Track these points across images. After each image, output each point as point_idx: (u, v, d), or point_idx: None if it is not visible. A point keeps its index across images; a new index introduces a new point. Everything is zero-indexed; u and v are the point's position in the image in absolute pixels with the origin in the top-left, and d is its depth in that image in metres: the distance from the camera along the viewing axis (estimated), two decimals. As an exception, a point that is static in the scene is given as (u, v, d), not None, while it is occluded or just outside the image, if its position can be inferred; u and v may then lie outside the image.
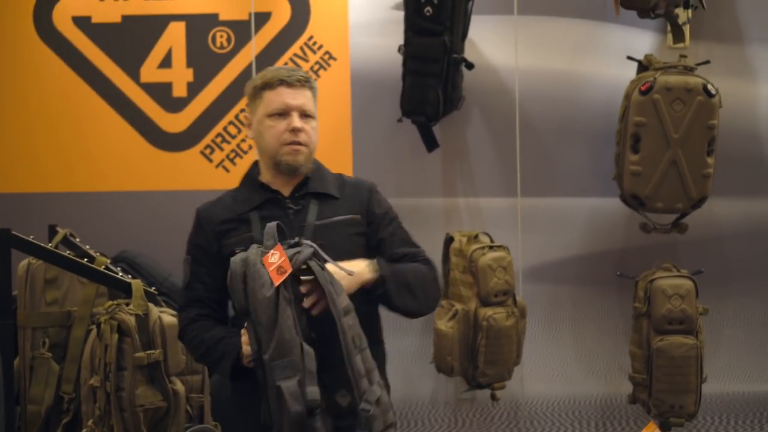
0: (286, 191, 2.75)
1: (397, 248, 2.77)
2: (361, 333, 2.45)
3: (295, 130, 2.69)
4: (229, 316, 2.79)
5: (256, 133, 2.77)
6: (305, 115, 2.72)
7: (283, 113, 2.71)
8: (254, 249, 2.47)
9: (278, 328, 2.36)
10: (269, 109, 2.72)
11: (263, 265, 2.41)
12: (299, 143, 2.70)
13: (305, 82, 2.74)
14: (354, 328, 2.43)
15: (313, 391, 2.35)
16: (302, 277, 2.42)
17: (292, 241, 2.46)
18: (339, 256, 2.62)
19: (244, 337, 2.50)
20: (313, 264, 2.42)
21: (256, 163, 2.84)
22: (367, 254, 2.73)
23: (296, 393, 2.33)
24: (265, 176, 2.78)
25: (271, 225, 2.49)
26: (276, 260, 2.40)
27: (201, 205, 2.85)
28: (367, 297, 2.62)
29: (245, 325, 2.49)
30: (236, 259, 2.48)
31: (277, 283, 2.37)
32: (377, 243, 2.77)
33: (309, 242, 2.46)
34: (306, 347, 2.37)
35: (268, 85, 2.73)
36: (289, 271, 2.38)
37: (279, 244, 2.44)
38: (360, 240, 2.74)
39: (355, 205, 2.78)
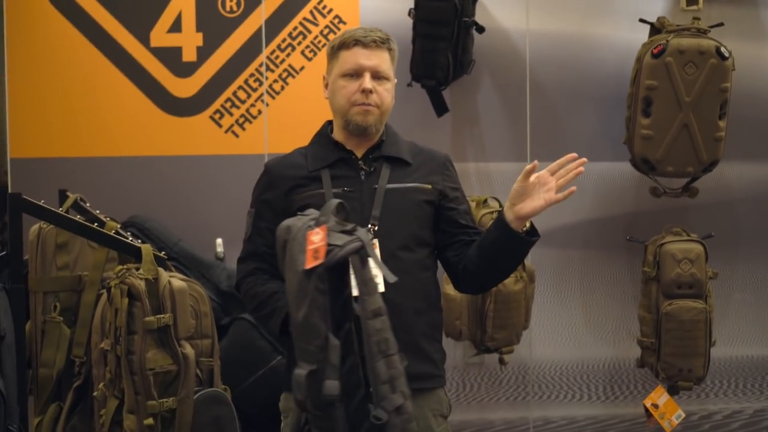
0: (359, 152, 2.76)
1: (470, 225, 2.82)
2: (390, 338, 2.34)
3: (365, 91, 2.69)
4: None
5: (330, 92, 2.78)
6: (379, 76, 2.72)
7: (356, 74, 2.71)
8: (304, 220, 2.43)
9: (303, 313, 2.32)
10: (343, 69, 2.73)
11: (304, 241, 2.37)
12: (369, 104, 2.70)
13: (381, 44, 2.74)
14: (381, 332, 2.33)
15: (332, 386, 2.28)
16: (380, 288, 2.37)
17: (348, 227, 2.38)
18: (406, 222, 2.68)
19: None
20: (354, 261, 2.33)
21: (329, 123, 2.84)
22: (433, 224, 2.76)
23: (302, 383, 2.29)
24: (339, 136, 2.78)
25: (332, 202, 2.44)
26: (317, 241, 2.34)
27: (270, 159, 2.86)
28: (509, 238, 2.62)
29: None
30: (282, 225, 2.47)
31: (307, 266, 2.31)
32: (449, 216, 2.78)
33: (362, 234, 2.36)
34: (332, 339, 2.30)
35: (344, 45, 2.74)
36: (321, 261, 2.31)
37: (326, 225, 2.37)
38: (428, 208, 2.74)
39: (428, 174, 2.79)
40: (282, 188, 2.75)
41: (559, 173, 2.63)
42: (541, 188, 2.61)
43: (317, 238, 2.34)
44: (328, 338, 2.32)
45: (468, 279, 2.79)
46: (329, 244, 2.32)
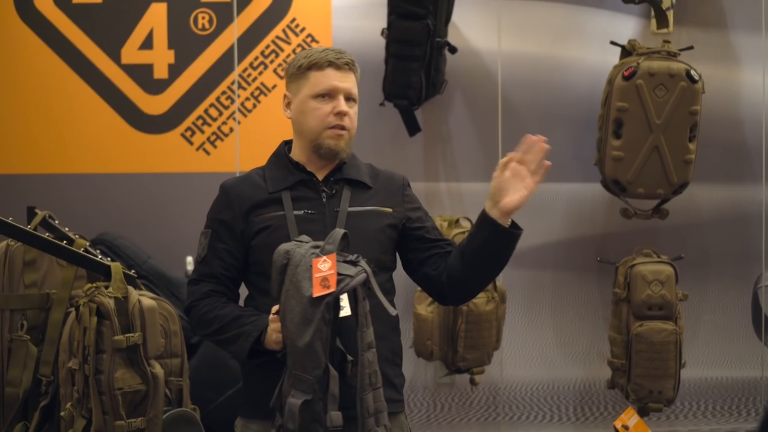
0: (320, 174, 2.72)
1: (440, 238, 2.80)
2: (378, 371, 2.40)
3: (340, 114, 2.66)
4: (239, 296, 2.78)
5: (296, 113, 2.73)
6: (350, 98, 2.70)
7: (329, 95, 2.68)
8: (306, 247, 2.42)
9: (306, 343, 2.31)
10: (315, 89, 2.69)
11: (310, 268, 2.36)
12: (342, 127, 2.68)
13: (352, 66, 2.72)
14: (373, 365, 2.39)
15: (336, 416, 2.33)
16: (340, 314, 2.37)
17: (351, 257, 2.39)
18: (369, 246, 2.63)
19: (276, 324, 2.47)
20: (358, 291, 2.35)
21: (285, 143, 2.81)
22: (394, 248, 2.74)
23: (295, 413, 2.30)
24: (300, 157, 2.74)
25: (339, 231, 2.43)
26: (325, 270, 2.33)
27: (227, 180, 2.80)
28: (499, 235, 2.61)
29: (277, 312, 2.47)
30: (280, 249, 2.45)
31: (316, 295, 2.31)
32: (418, 235, 2.76)
33: (366, 265, 2.38)
34: (332, 371, 2.33)
35: (316, 65, 2.69)
36: (333, 290, 2.30)
37: (335, 253, 2.37)
38: (390, 232, 2.72)
39: (387, 197, 2.76)
40: (241, 209, 2.71)
41: (526, 159, 2.64)
42: (516, 180, 2.62)
43: (325, 266, 2.34)
44: (328, 369, 2.32)
45: (456, 288, 2.75)
46: (339, 274, 2.32)
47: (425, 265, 2.76)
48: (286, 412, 2.33)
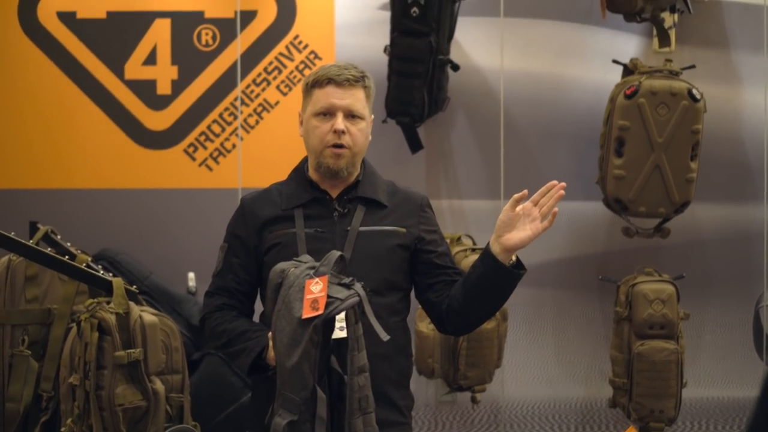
0: (334, 192, 2.70)
1: (449, 266, 2.76)
2: (370, 396, 2.37)
3: (337, 132, 2.64)
4: (254, 311, 2.78)
5: (304, 131, 2.72)
6: (352, 115, 2.67)
7: (329, 113, 2.66)
8: (302, 267, 2.41)
9: (293, 364, 2.30)
10: (315, 108, 2.67)
11: (302, 289, 2.35)
12: (341, 146, 2.65)
13: (356, 81, 2.67)
14: (364, 389, 2.36)
15: None
16: (335, 336, 2.35)
17: (346, 280, 2.37)
18: (378, 266, 2.62)
19: (272, 341, 2.47)
20: (350, 315, 2.34)
21: (306, 159, 2.79)
22: (407, 267, 2.70)
23: None
24: (313, 175, 2.73)
25: (334, 253, 2.41)
26: (316, 292, 2.32)
27: (246, 194, 2.80)
28: (497, 271, 2.58)
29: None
30: (276, 268, 2.45)
31: (304, 316, 2.30)
32: (427, 259, 2.72)
33: (359, 289, 2.35)
34: (320, 393, 2.31)
35: (318, 83, 2.68)
36: (321, 312, 2.29)
37: (327, 276, 2.35)
38: (401, 252, 2.68)
39: (403, 217, 2.72)
40: (254, 225, 2.72)
41: (541, 201, 2.63)
42: (525, 219, 2.60)
43: (317, 288, 2.33)
44: (316, 390, 2.31)
45: (453, 318, 2.73)
46: (329, 296, 2.31)
47: (430, 290, 2.74)
48: (272, 431, 2.32)
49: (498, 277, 2.60)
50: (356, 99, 2.68)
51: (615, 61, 4.29)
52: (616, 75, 4.30)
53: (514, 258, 2.60)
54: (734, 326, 4.57)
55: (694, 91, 4.12)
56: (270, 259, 2.66)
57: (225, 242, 2.78)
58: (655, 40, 4.48)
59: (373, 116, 2.78)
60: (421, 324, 4.10)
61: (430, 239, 2.74)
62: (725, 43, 4.61)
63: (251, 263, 2.71)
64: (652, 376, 4.04)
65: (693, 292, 4.33)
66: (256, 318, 2.79)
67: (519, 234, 2.57)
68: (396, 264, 2.67)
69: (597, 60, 4.52)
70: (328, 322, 2.33)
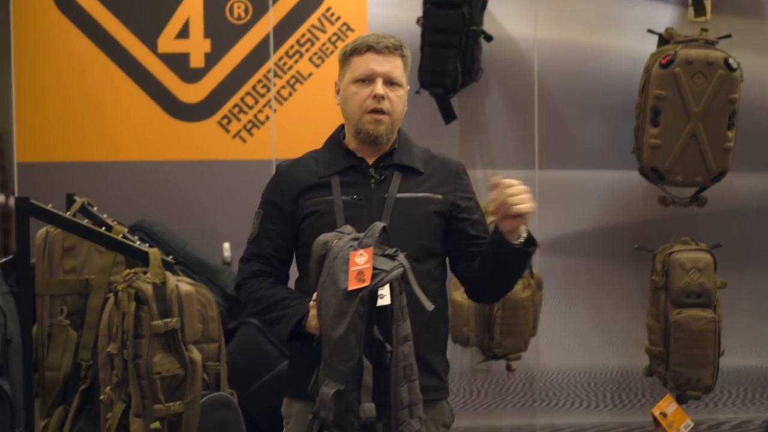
0: (370, 160, 2.71)
1: (481, 235, 2.73)
2: (414, 364, 2.40)
3: (377, 97, 2.64)
4: (288, 277, 2.79)
5: (342, 99, 2.73)
6: (391, 82, 2.67)
7: (368, 79, 2.67)
8: (345, 239, 2.42)
9: (340, 335, 2.32)
10: (355, 74, 2.68)
11: (347, 261, 2.36)
12: (382, 111, 2.65)
13: (394, 50, 2.69)
14: (408, 358, 2.38)
15: (370, 408, 2.33)
16: (378, 304, 2.35)
17: (390, 251, 2.38)
18: (415, 233, 2.63)
19: (314, 311, 2.49)
20: (394, 285, 2.34)
21: (341, 127, 2.80)
22: (443, 234, 2.70)
23: (328, 402, 2.31)
24: (350, 143, 2.74)
25: (377, 224, 2.43)
26: (361, 263, 2.33)
27: (282, 162, 2.81)
28: (504, 249, 2.56)
29: (315, 299, 2.48)
30: (320, 240, 2.46)
31: (350, 288, 2.31)
32: (460, 227, 2.71)
33: (403, 259, 2.36)
34: (366, 363, 2.33)
35: (356, 51, 2.69)
36: (368, 284, 2.30)
37: (372, 247, 2.36)
38: (438, 219, 2.68)
39: (439, 183, 2.72)
40: (291, 192, 2.72)
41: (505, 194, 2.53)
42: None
43: (362, 260, 2.33)
44: (362, 360, 2.33)
45: (476, 291, 2.79)
46: (375, 268, 2.32)
47: (461, 260, 2.74)
48: (319, 401, 2.35)
49: (505, 254, 2.58)
50: (395, 66, 2.69)
51: (650, 31, 4.26)
52: (651, 45, 4.27)
53: (525, 234, 2.57)
54: (772, 295, 4.55)
55: (731, 60, 4.08)
56: (307, 227, 2.67)
57: (260, 209, 2.79)
58: (691, 10, 4.44)
59: (408, 86, 2.78)
60: (456, 293, 4.10)
61: (466, 206, 2.73)
62: (761, 12, 4.57)
63: (287, 230, 2.72)
64: (689, 345, 4.03)
65: (730, 261, 4.30)
66: (290, 284, 2.81)
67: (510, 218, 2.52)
68: (432, 230, 2.67)
69: (632, 30, 4.48)
70: (372, 293, 2.34)
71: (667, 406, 4.05)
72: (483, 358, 4.26)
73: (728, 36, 4.23)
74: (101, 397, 3.37)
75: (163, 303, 3.34)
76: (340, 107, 2.76)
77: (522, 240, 2.56)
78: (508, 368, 4.24)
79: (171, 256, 3.68)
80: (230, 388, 3.53)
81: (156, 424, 3.25)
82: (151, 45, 4.47)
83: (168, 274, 3.42)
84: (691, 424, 4.14)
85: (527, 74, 4.49)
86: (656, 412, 4.11)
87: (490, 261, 2.65)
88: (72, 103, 4.44)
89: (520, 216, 2.48)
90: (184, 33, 4.48)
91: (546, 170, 4.48)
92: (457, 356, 4.37)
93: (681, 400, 4.12)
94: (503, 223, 2.53)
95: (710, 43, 4.13)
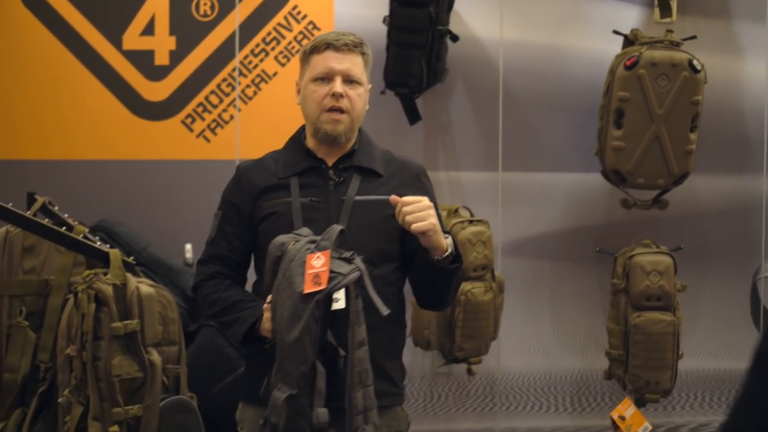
0: (330, 161, 2.71)
1: None
2: (369, 369, 2.40)
3: (336, 95, 2.63)
4: (246, 279, 2.80)
5: (302, 98, 2.73)
6: (350, 80, 2.66)
7: (327, 78, 2.66)
8: (302, 241, 2.42)
9: (294, 339, 2.31)
10: (314, 73, 2.68)
11: (303, 263, 2.35)
12: (340, 110, 2.65)
13: (354, 47, 2.68)
14: (363, 362, 2.39)
15: (323, 413, 2.34)
16: (333, 307, 2.35)
17: (347, 254, 2.38)
18: (372, 236, 2.62)
19: (269, 314, 2.49)
20: (350, 289, 2.35)
21: (303, 127, 2.79)
22: (401, 237, 2.68)
23: (279, 406, 2.31)
24: (310, 143, 2.73)
25: (335, 227, 2.42)
26: (318, 267, 2.32)
27: (242, 162, 2.81)
28: (427, 263, 2.58)
29: (269, 301, 2.48)
30: (276, 242, 2.46)
31: (306, 291, 2.31)
32: None
33: (360, 263, 2.37)
34: (319, 367, 2.33)
35: (316, 49, 2.69)
36: (324, 287, 2.30)
37: (329, 250, 2.36)
38: (396, 223, 2.62)
39: (399, 186, 2.70)
40: (250, 193, 2.72)
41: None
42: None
43: (319, 263, 2.33)
44: (315, 365, 2.32)
45: (417, 299, 2.81)
46: (331, 271, 2.32)
47: (410, 265, 2.74)
48: (271, 405, 2.35)
49: (428, 269, 2.60)
50: (354, 64, 2.69)
51: (615, 32, 4.26)
52: (616, 46, 4.28)
53: (450, 250, 2.58)
54: (731, 298, 4.57)
55: (695, 62, 4.09)
56: (265, 228, 2.67)
57: (219, 210, 2.79)
58: (656, 11, 4.45)
59: (370, 86, 2.77)
60: (417, 296, 4.10)
61: None
62: (727, 14, 4.58)
63: (245, 231, 2.72)
64: (649, 348, 4.05)
65: (690, 264, 4.33)
66: (248, 286, 2.81)
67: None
68: (390, 234, 2.66)
69: (597, 31, 4.49)
70: (328, 297, 2.34)
71: (626, 409, 4.08)
72: (444, 361, 4.27)
73: (693, 37, 4.24)
74: (59, 400, 3.34)
75: (123, 305, 3.32)
76: (300, 107, 2.76)
77: (447, 254, 2.57)
78: (469, 372, 4.25)
79: (132, 257, 3.66)
80: (190, 391, 3.51)
81: (114, 428, 3.24)
82: (116, 41, 4.44)
83: (129, 275, 3.41)
84: (650, 428, 4.18)
85: (492, 75, 4.49)
86: (615, 415, 4.14)
87: (417, 273, 2.69)
88: (33, 99, 4.40)
89: (422, 233, 2.50)
90: (149, 30, 4.45)
91: (509, 172, 4.49)
92: (417, 359, 4.39)
93: (639, 403, 4.14)
94: (420, 238, 2.54)
95: (675, 45, 4.15)
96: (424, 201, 2.53)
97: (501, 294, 4.21)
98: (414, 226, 2.49)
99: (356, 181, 2.69)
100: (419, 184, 2.77)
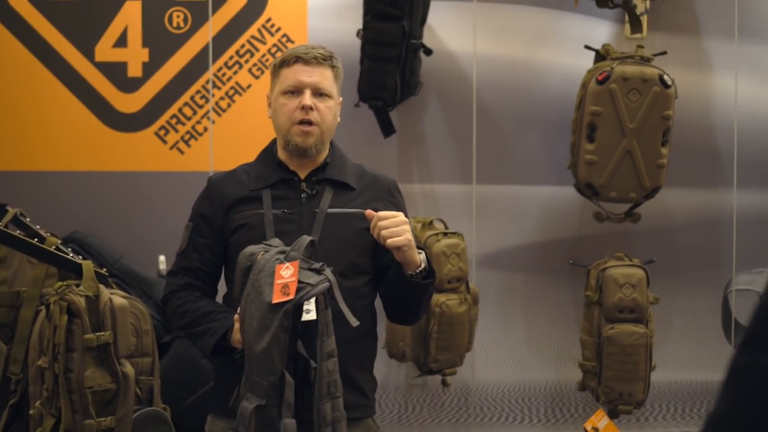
0: (302, 174, 2.71)
1: None
2: (338, 380, 2.40)
3: (305, 108, 2.63)
4: (217, 291, 2.79)
5: (272, 111, 2.73)
6: (320, 93, 2.67)
7: (297, 91, 2.66)
8: (272, 252, 2.41)
9: (263, 349, 2.31)
10: (284, 86, 2.68)
11: (272, 274, 2.35)
12: (310, 123, 2.65)
13: (323, 60, 2.68)
14: (333, 374, 2.38)
15: (290, 424, 2.33)
16: (303, 318, 2.35)
17: (316, 265, 2.37)
18: (344, 249, 2.62)
19: (239, 324, 2.48)
20: (319, 300, 2.35)
21: (275, 140, 2.79)
22: (373, 251, 2.68)
23: (247, 417, 2.30)
24: (282, 155, 2.73)
25: (305, 238, 2.42)
26: (287, 277, 2.32)
27: (214, 174, 2.81)
28: (400, 278, 2.58)
29: (239, 311, 2.47)
30: (246, 252, 2.45)
31: (274, 301, 2.30)
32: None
33: (330, 274, 2.36)
34: (288, 378, 2.33)
35: (285, 63, 2.69)
36: (292, 297, 2.29)
37: (298, 261, 2.35)
38: (368, 235, 2.63)
39: (371, 200, 2.71)
40: (221, 205, 2.71)
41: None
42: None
43: (287, 273, 2.33)
44: (284, 375, 2.32)
45: (387, 312, 2.81)
46: (300, 282, 2.31)
47: (381, 279, 2.74)
48: (239, 416, 2.33)
49: (400, 284, 2.61)
50: (324, 77, 2.69)
51: (587, 47, 4.30)
52: (588, 61, 4.31)
53: (423, 265, 2.60)
54: (703, 311, 4.60)
55: (666, 77, 4.13)
56: (236, 240, 2.66)
57: (190, 221, 2.78)
58: (627, 26, 4.49)
59: (341, 99, 2.78)
60: (392, 308, 4.10)
61: None
62: (696, 30, 4.63)
63: (216, 243, 2.71)
64: (622, 360, 4.07)
65: (663, 277, 4.36)
66: (219, 298, 2.79)
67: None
68: (362, 247, 2.67)
69: (569, 46, 4.52)
70: (297, 308, 2.34)
71: (599, 420, 4.09)
72: (418, 373, 4.26)
73: (663, 53, 4.28)
74: (31, 412, 3.31)
75: (96, 316, 3.29)
76: (271, 120, 2.76)
77: (420, 270, 2.58)
78: (444, 383, 4.25)
79: (105, 269, 3.63)
80: (163, 402, 3.49)
81: (87, 440, 3.21)
82: (88, 53, 4.42)
83: (101, 286, 3.38)
84: (623, 439, 4.20)
85: (466, 89, 4.51)
86: (588, 426, 4.14)
87: (389, 288, 2.69)
88: (4, 110, 4.37)
89: (398, 248, 2.51)
90: (122, 41, 4.44)
91: (483, 185, 4.51)
92: (392, 371, 4.39)
93: (613, 414, 4.16)
94: (395, 253, 2.55)
95: (646, 60, 4.19)
96: (400, 216, 2.55)
97: (475, 306, 4.22)
98: (389, 241, 2.50)
99: (329, 194, 2.69)
100: (391, 199, 2.78)
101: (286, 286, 2.31)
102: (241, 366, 2.42)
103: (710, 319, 4.59)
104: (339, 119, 2.77)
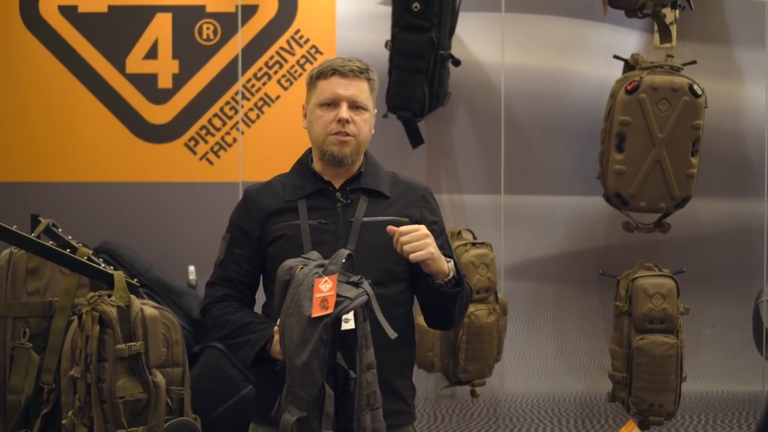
0: (337, 183, 2.73)
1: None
2: (377, 391, 2.41)
3: (342, 121, 2.66)
4: (255, 301, 2.81)
5: (308, 122, 2.75)
6: (356, 106, 2.69)
7: (333, 103, 2.68)
8: (310, 265, 2.43)
9: (303, 362, 2.33)
10: (320, 98, 2.70)
11: (311, 288, 2.37)
12: (346, 134, 2.67)
13: (360, 73, 2.70)
14: (372, 385, 2.40)
15: None
16: (342, 328, 2.37)
17: (354, 278, 2.39)
18: (381, 257, 2.63)
19: (278, 336, 2.50)
20: (358, 313, 2.36)
21: (309, 151, 2.81)
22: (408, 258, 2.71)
23: (288, 429, 2.32)
24: (317, 166, 2.75)
25: (342, 251, 2.43)
26: (325, 291, 2.34)
27: (250, 186, 2.83)
28: (430, 287, 2.60)
29: (278, 323, 2.49)
30: (284, 266, 2.47)
31: (314, 315, 2.32)
32: None
33: (368, 287, 2.37)
34: (328, 390, 2.34)
35: (322, 75, 2.71)
36: (331, 311, 2.31)
37: (336, 275, 2.37)
38: None
39: (406, 207, 2.74)
40: (258, 216, 2.73)
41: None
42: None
43: (326, 287, 2.34)
44: (324, 388, 2.33)
45: (425, 319, 2.82)
46: (339, 295, 2.33)
47: (418, 284, 2.75)
48: (281, 428, 2.35)
49: (431, 292, 2.63)
50: (360, 90, 2.71)
51: (616, 57, 4.29)
52: (617, 71, 4.30)
53: (451, 274, 2.62)
54: (734, 321, 4.57)
55: (695, 87, 4.11)
56: (274, 251, 2.68)
57: (227, 233, 2.80)
58: (656, 36, 4.47)
59: (375, 110, 2.79)
60: (421, 317, 4.09)
61: (430, 229, 2.72)
62: (726, 39, 4.61)
63: (254, 254, 2.73)
64: (652, 370, 4.04)
65: (693, 287, 4.33)
66: (257, 309, 2.81)
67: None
68: (399, 255, 2.65)
69: (598, 56, 4.52)
70: (336, 320, 2.35)
71: (630, 431, 4.08)
72: (447, 383, 4.26)
73: (693, 62, 4.27)
74: (63, 422, 3.33)
75: (128, 326, 3.32)
76: (306, 131, 2.77)
77: (450, 278, 2.60)
78: (473, 394, 4.24)
79: (136, 279, 3.66)
80: (194, 412, 3.50)
81: (118, 449, 3.23)
82: (119, 65, 4.47)
83: (132, 297, 3.40)
84: (654, 450, 4.18)
85: (494, 99, 4.51)
86: (619, 437, 4.13)
87: (422, 295, 2.72)
88: (38, 122, 4.42)
89: (422, 262, 2.53)
90: (152, 53, 4.48)
91: (512, 195, 4.51)
92: (421, 381, 4.38)
93: (643, 425, 4.13)
94: (421, 265, 2.57)
95: (675, 70, 4.17)
96: (422, 230, 2.56)
97: (504, 316, 4.21)
98: (412, 256, 2.52)
99: (364, 203, 2.71)
100: (426, 205, 2.80)
101: (325, 300, 2.32)
102: (281, 376, 2.44)
103: (741, 330, 4.56)
104: (373, 130, 2.78)
